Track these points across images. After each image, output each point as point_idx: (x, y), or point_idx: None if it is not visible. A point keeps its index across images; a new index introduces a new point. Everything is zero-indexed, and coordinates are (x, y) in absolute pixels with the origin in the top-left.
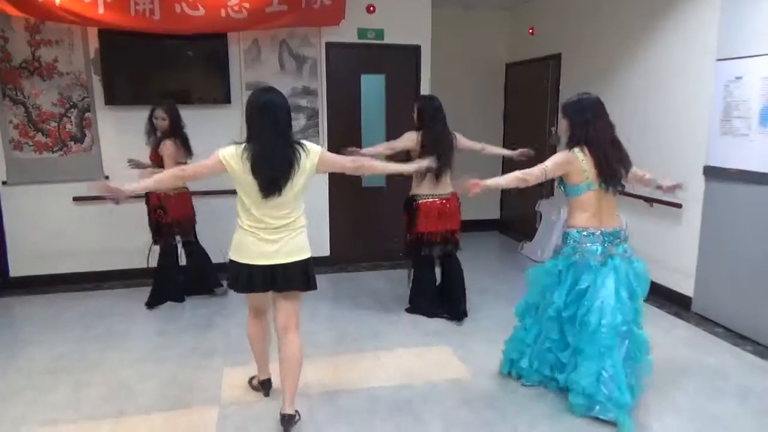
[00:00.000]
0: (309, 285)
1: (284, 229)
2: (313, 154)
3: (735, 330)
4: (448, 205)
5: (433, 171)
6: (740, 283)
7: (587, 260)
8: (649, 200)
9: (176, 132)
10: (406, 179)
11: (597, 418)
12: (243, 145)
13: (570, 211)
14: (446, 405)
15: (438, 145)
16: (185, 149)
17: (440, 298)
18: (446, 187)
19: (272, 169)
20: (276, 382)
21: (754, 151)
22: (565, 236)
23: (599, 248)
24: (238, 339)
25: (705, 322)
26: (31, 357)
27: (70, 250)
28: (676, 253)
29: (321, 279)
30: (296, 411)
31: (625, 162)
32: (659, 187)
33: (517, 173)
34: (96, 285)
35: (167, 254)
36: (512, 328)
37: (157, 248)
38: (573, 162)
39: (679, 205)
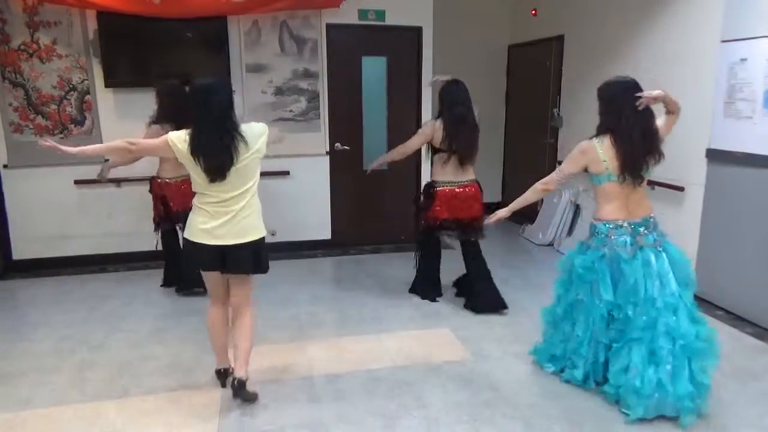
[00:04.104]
0: (258, 267)
1: (233, 210)
2: (258, 140)
3: (735, 312)
4: (467, 193)
5: (455, 157)
6: (741, 267)
7: (618, 254)
8: (651, 183)
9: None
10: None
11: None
12: (189, 130)
13: (597, 201)
14: (447, 386)
15: (458, 130)
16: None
17: (466, 289)
18: (468, 174)
19: (209, 156)
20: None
21: (758, 134)
22: (593, 229)
23: (628, 240)
24: None
25: (705, 304)
26: (35, 339)
27: (72, 233)
28: (677, 237)
29: (323, 261)
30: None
31: (654, 153)
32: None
33: (537, 185)
34: (99, 267)
35: (167, 234)
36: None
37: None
38: (589, 152)
39: (681, 188)
